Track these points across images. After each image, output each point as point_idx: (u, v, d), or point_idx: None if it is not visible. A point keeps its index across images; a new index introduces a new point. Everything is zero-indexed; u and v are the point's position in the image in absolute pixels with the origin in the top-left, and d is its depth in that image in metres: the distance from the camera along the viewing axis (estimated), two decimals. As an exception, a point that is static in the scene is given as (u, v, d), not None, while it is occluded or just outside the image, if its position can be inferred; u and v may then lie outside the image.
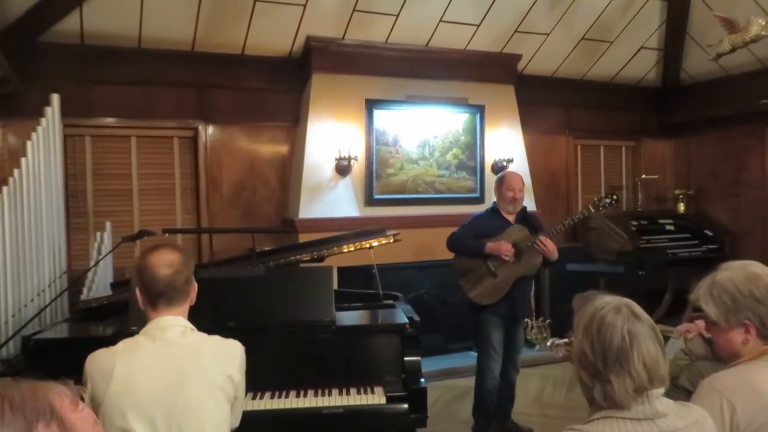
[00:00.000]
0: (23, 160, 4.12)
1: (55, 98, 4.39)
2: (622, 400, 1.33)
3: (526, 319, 4.22)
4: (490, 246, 3.70)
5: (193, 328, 1.76)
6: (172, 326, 1.71)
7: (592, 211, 3.82)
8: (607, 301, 1.41)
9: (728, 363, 1.82)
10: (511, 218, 3.85)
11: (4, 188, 4.00)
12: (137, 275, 1.75)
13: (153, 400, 1.58)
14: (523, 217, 3.89)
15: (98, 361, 1.64)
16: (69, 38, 4.71)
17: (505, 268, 3.73)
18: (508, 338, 3.88)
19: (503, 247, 3.66)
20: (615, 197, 3.77)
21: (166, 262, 1.72)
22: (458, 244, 3.86)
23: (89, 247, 4.67)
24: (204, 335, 1.76)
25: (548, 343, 5.32)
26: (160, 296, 1.72)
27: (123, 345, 1.69)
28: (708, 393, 1.66)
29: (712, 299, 1.81)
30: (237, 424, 1.83)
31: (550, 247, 3.64)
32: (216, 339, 1.76)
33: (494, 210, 3.92)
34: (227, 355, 1.73)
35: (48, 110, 4.32)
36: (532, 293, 4.09)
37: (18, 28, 4.40)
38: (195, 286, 1.82)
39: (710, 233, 6.79)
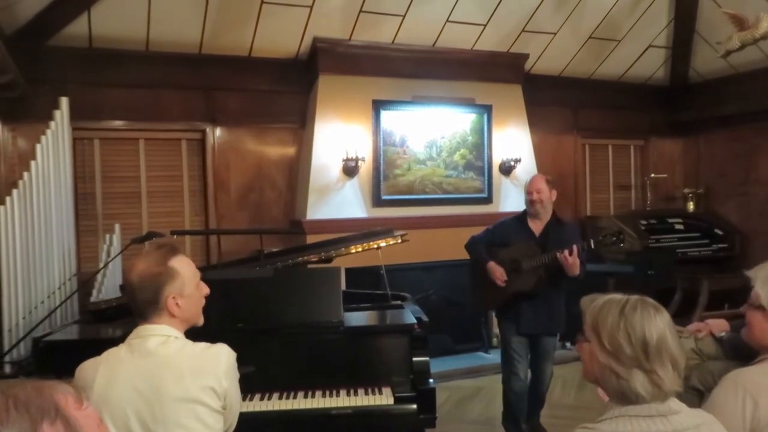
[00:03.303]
0: (33, 164, 4.15)
1: (64, 101, 4.42)
2: (669, 388, 1.33)
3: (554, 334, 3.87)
4: (490, 266, 3.65)
5: (178, 336, 1.70)
6: (153, 336, 1.66)
7: (593, 246, 3.59)
8: (627, 297, 1.41)
9: (755, 356, 1.80)
10: (536, 229, 3.70)
11: (14, 191, 4.03)
12: None
13: (130, 413, 1.55)
14: (548, 231, 3.68)
15: (83, 372, 1.62)
16: (77, 42, 4.74)
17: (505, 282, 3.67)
18: (531, 349, 3.77)
19: (497, 274, 3.62)
20: (620, 237, 3.56)
21: (134, 275, 1.68)
22: (471, 249, 3.85)
23: (98, 250, 4.69)
24: (188, 343, 1.69)
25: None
26: (133, 306, 1.71)
27: (106, 355, 1.66)
28: (731, 387, 1.65)
29: None
30: (232, 428, 1.79)
31: (568, 261, 3.43)
32: (199, 348, 1.68)
33: (521, 218, 3.80)
34: (208, 365, 1.64)
35: (57, 113, 4.35)
36: (556, 313, 3.76)
37: (26, 33, 4.44)
38: (178, 296, 1.69)
39: (720, 232, 6.74)
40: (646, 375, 1.32)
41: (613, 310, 1.39)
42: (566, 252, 3.44)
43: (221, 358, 1.68)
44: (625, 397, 1.35)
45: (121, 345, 1.68)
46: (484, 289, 3.75)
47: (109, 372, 1.59)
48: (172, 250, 1.74)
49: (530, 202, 3.70)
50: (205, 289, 1.81)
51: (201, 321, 1.81)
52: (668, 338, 1.34)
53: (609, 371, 1.36)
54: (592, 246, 3.58)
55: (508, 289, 3.65)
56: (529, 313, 3.68)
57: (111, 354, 1.66)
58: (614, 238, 3.57)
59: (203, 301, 1.81)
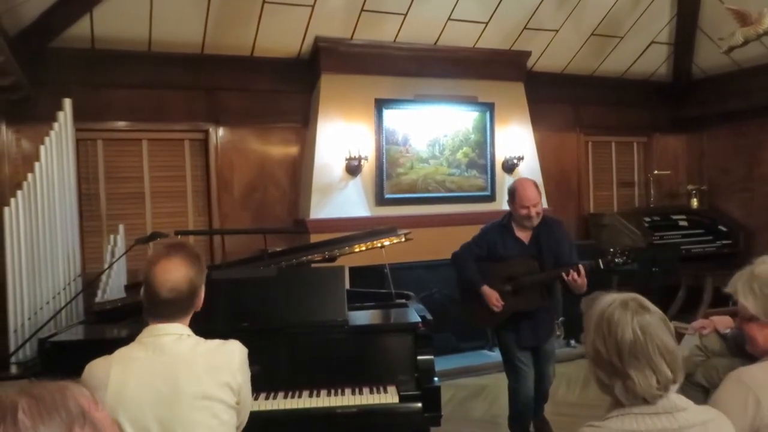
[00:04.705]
0: (37, 165, 4.16)
1: (67, 103, 4.43)
2: (646, 392, 1.31)
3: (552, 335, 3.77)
4: (485, 291, 3.45)
5: (190, 333, 1.71)
6: (167, 334, 1.67)
7: (602, 268, 3.37)
8: (613, 298, 1.40)
9: (760, 360, 1.79)
10: (524, 237, 3.51)
11: (19, 192, 4.04)
12: (144, 282, 1.70)
13: (147, 412, 1.56)
14: (538, 236, 3.50)
15: (94, 371, 1.62)
16: (80, 43, 4.75)
17: (503, 301, 3.47)
18: (533, 354, 3.64)
19: (493, 300, 3.42)
20: (630, 255, 3.37)
21: (170, 282, 1.66)
22: (459, 270, 3.63)
23: (103, 250, 4.71)
24: (200, 341, 1.71)
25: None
26: (160, 311, 1.69)
27: (119, 354, 1.66)
28: (735, 385, 1.64)
29: (752, 293, 1.77)
30: (244, 424, 1.80)
31: (577, 283, 3.30)
32: (212, 345, 1.70)
33: (506, 226, 3.55)
34: (223, 362, 1.67)
35: (60, 115, 4.36)
36: (550, 323, 3.74)
37: (29, 34, 4.45)
38: (201, 294, 1.76)
39: (724, 228, 6.72)
40: (621, 381, 1.32)
41: (596, 314, 1.39)
42: (573, 274, 3.28)
43: (234, 354, 1.71)
44: (618, 400, 1.35)
45: (131, 344, 1.68)
46: (480, 308, 3.54)
47: (124, 372, 1.60)
48: (194, 250, 1.77)
49: (528, 218, 3.43)
50: None
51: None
52: (642, 341, 1.32)
53: (595, 378, 1.38)
54: (601, 267, 3.35)
55: (507, 310, 3.47)
56: (528, 328, 3.53)
57: (123, 353, 1.66)
58: (624, 258, 3.35)
59: None
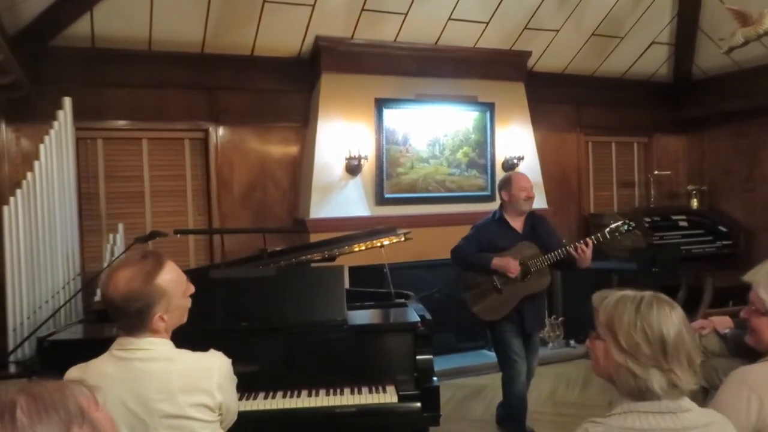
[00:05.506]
0: (36, 164, 4.17)
1: (67, 102, 4.43)
2: (686, 385, 1.32)
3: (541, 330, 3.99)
4: (497, 262, 3.54)
5: (163, 345, 1.63)
6: (138, 349, 1.59)
7: (608, 237, 3.50)
8: (641, 294, 1.39)
9: (759, 353, 1.78)
10: (518, 226, 3.69)
11: (18, 191, 4.05)
12: None
13: (124, 430, 1.52)
14: (532, 225, 3.72)
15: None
16: (80, 42, 4.75)
17: (511, 286, 3.58)
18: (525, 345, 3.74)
19: (510, 264, 3.51)
20: (632, 224, 3.51)
21: (117, 294, 1.57)
22: (463, 259, 3.72)
23: (102, 249, 4.71)
24: (177, 357, 1.63)
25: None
26: (116, 321, 1.62)
27: (91, 368, 1.59)
28: (737, 385, 1.64)
29: None
30: (231, 424, 1.75)
31: (587, 254, 3.45)
32: (189, 362, 1.62)
33: (500, 219, 3.73)
34: (199, 382, 1.58)
35: (60, 113, 4.36)
36: (545, 308, 3.93)
37: (29, 33, 4.44)
38: (154, 314, 1.60)
39: (724, 229, 6.72)
40: (664, 374, 1.31)
41: (629, 308, 1.36)
42: (581, 245, 3.44)
43: (213, 372, 1.62)
44: (641, 395, 1.34)
45: (104, 356, 1.62)
46: (487, 300, 3.62)
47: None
48: (157, 264, 1.63)
49: (528, 200, 3.66)
50: (191, 289, 1.75)
51: (184, 320, 1.74)
52: (684, 335, 1.33)
53: (626, 370, 1.34)
54: (608, 237, 3.50)
55: (518, 294, 3.57)
56: (531, 313, 3.66)
57: (95, 369, 1.59)
58: (626, 226, 3.47)
59: (189, 302, 1.74)
